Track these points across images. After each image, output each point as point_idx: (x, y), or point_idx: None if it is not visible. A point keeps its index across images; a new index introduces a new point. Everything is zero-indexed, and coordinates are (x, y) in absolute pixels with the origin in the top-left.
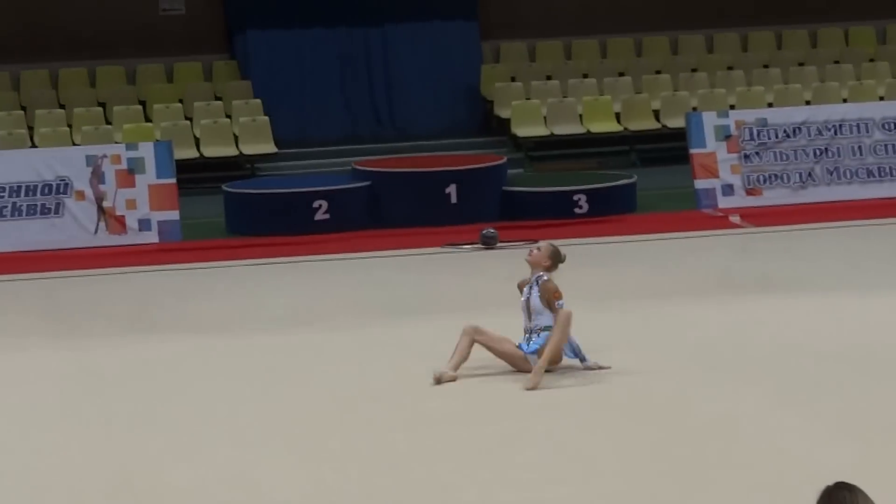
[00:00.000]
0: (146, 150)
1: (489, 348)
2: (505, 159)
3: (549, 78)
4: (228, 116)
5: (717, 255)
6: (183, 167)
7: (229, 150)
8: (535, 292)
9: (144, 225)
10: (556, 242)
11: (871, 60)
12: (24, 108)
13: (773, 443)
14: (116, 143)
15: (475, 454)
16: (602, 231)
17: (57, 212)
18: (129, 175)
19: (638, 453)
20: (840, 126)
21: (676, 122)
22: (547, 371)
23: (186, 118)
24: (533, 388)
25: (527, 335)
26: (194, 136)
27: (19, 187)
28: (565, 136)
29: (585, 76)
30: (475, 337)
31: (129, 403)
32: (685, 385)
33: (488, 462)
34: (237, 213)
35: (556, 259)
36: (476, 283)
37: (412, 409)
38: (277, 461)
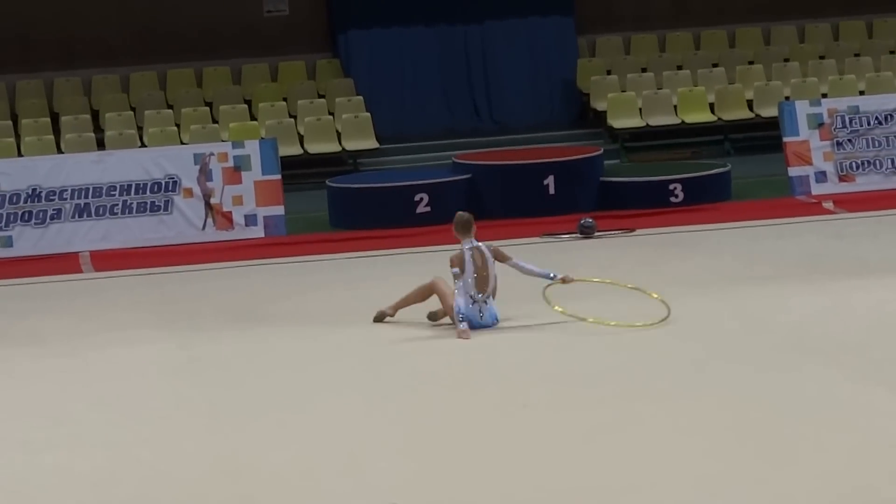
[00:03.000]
0: (252, 148)
1: (445, 305)
2: (601, 150)
3: (644, 70)
4: (331, 114)
5: (811, 240)
6: (287, 163)
7: (332, 147)
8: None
9: (251, 220)
10: (653, 231)
11: None
12: (133, 109)
13: (857, 422)
14: (223, 141)
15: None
16: (697, 219)
17: (166, 209)
18: (235, 172)
19: (728, 434)
20: None
21: (769, 112)
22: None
23: (291, 116)
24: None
25: (477, 305)
26: (298, 134)
27: (129, 186)
28: (660, 127)
29: (680, 68)
30: (437, 290)
31: (235, 392)
32: (781, 368)
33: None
34: (340, 207)
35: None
36: (576, 272)
37: (520, 394)
38: (382, 447)
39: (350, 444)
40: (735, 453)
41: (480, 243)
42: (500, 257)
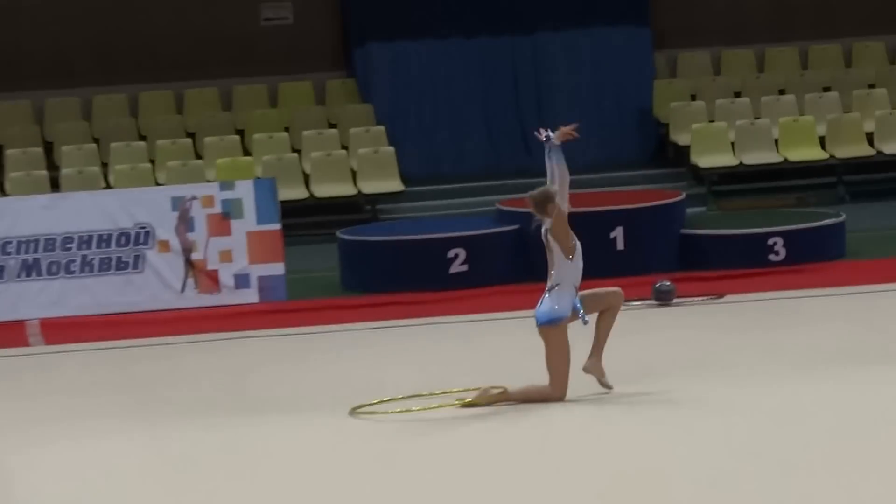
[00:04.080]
0: (244, 190)
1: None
2: (683, 196)
3: (737, 95)
4: (345, 148)
5: None
6: (289, 210)
7: (346, 189)
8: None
9: (242, 281)
10: (746, 297)
11: None
12: (96, 141)
13: None
14: (208, 181)
15: None
16: (803, 282)
17: (136, 266)
18: (223, 220)
19: None
20: None
21: (894, 148)
22: None
23: (294, 150)
24: None
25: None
26: (303, 173)
27: (90, 237)
28: (757, 167)
29: (782, 92)
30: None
31: (221, 498)
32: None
33: None
34: (355, 265)
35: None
36: (649, 348)
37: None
38: None
39: None
40: None
41: (546, 223)
42: (555, 225)
